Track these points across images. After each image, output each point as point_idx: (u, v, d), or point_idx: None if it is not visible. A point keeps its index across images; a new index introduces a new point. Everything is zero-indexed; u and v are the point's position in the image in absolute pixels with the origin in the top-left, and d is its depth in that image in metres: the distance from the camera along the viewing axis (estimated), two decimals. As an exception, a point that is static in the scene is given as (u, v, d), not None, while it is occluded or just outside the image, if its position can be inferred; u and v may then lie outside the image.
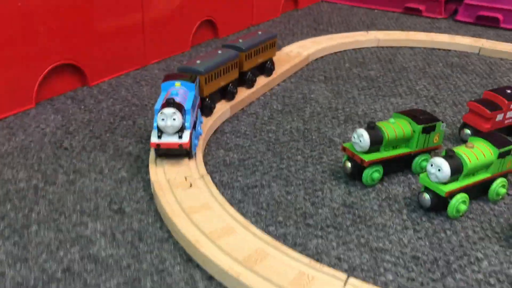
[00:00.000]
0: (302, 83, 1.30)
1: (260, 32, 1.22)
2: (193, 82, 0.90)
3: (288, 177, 0.89)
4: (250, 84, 1.17)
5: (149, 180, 0.85)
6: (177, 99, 0.83)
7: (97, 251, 0.70)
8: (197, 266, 0.68)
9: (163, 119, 0.79)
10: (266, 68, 1.24)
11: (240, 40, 1.15)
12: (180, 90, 0.87)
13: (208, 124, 1.01)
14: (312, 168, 0.92)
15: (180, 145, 0.81)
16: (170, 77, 0.91)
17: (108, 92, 1.21)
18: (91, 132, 1.02)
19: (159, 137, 0.81)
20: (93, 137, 1.00)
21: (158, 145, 0.81)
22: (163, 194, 0.77)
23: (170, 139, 0.81)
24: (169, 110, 0.79)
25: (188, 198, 0.77)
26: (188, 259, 0.69)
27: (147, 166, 0.90)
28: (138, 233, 0.74)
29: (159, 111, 0.80)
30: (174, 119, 0.79)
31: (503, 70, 1.40)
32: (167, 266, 0.67)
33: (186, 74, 0.93)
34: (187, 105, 0.83)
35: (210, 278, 0.66)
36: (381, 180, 0.88)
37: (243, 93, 1.16)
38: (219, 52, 1.08)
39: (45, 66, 1.13)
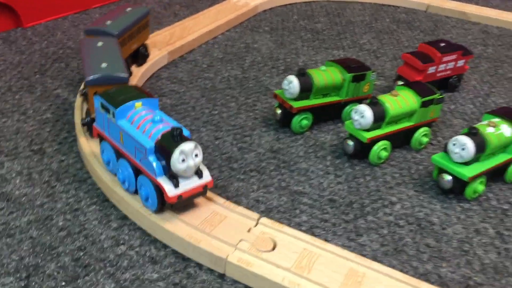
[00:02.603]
0: (247, 33, 1.28)
1: (129, 9, 0.95)
2: (152, 96, 0.66)
3: (219, 123, 0.88)
4: None
5: (74, 122, 0.83)
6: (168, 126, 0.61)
7: (11, 189, 0.68)
8: (113, 206, 0.67)
9: (183, 160, 0.57)
10: (140, 55, 0.99)
11: (108, 22, 0.87)
12: (152, 112, 0.63)
13: (142, 69, 0.99)
14: (244, 115, 0.91)
15: (205, 186, 0.61)
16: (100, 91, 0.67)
17: (43, 34, 1.16)
18: (20, 73, 0.98)
19: (176, 184, 0.59)
20: (21, 78, 0.96)
21: (180, 196, 0.59)
22: (85, 135, 0.76)
23: (190, 183, 0.60)
24: (189, 146, 0.57)
25: (111, 139, 0.76)
26: (105, 199, 0.68)
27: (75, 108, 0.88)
28: (56, 173, 0.72)
29: (171, 150, 0.57)
30: (196, 156, 0.58)
31: (447, 27, 1.41)
32: (82, 206, 0.67)
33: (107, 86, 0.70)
34: (184, 131, 0.60)
35: (124, 217, 0.65)
36: (311, 128, 0.88)
37: (182, 40, 1.13)
38: (99, 44, 0.80)
39: (-28, 4, 1.07)
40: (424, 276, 0.60)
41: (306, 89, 0.84)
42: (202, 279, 0.58)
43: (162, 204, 0.61)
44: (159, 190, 0.59)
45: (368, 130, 0.78)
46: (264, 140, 0.84)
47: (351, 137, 0.80)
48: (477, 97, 1.03)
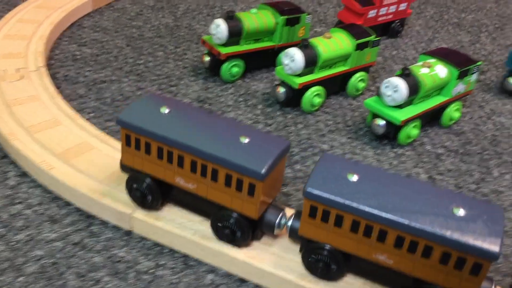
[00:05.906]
0: (183, -20, 1.19)
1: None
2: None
3: (144, 72, 0.81)
4: None
5: (-23, 74, 0.75)
6: None
7: None
8: (12, 162, 0.60)
9: None
10: None
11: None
12: None
13: (60, 16, 0.90)
14: (172, 64, 0.85)
15: None
16: None
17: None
18: None
19: None
20: None
21: None
22: (-15, 87, 0.68)
23: None
24: None
25: (15, 90, 0.68)
26: (3, 155, 0.61)
27: (-20, 59, 0.79)
28: (-50, 128, 0.64)
29: None
30: None
31: (395, -26, 1.36)
32: (-24, 163, 0.60)
33: None
34: None
35: (24, 174, 0.59)
36: (243, 76, 0.83)
37: (109, -14, 1.04)
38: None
39: None
40: (350, 225, 0.56)
41: (235, 34, 0.78)
42: (107, 237, 0.52)
43: None
44: None
45: (299, 75, 0.72)
46: (192, 89, 0.78)
47: (283, 83, 0.74)
48: (420, 42, 0.99)
